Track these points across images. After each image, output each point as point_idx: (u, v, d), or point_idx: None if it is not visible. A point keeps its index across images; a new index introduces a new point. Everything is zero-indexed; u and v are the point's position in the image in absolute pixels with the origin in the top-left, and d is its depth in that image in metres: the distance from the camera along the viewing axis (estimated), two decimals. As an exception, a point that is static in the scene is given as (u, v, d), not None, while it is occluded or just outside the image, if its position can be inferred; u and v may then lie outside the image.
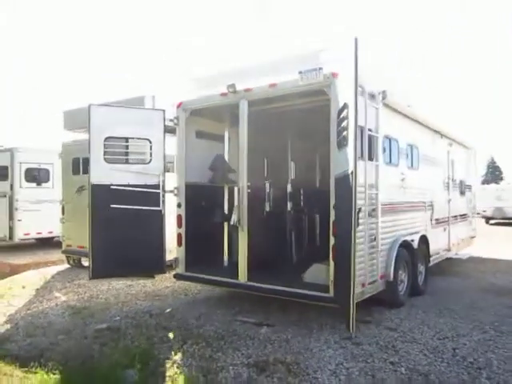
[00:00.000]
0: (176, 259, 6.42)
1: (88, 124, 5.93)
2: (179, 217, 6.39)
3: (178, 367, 4.33)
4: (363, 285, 5.13)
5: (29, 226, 12.39)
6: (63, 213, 9.96)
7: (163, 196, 6.28)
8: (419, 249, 6.81)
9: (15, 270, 9.97)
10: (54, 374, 4.34)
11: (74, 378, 4.22)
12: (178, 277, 6.45)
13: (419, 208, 7.21)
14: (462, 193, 10.22)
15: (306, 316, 5.64)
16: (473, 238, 11.06)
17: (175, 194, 6.41)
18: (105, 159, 6.03)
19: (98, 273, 6.06)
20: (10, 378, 4.38)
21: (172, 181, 6.49)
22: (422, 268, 7.10)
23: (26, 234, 12.51)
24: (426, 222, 7.49)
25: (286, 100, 5.74)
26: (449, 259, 9.02)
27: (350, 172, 3.98)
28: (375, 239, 5.41)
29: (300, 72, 5.03)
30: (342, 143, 4.51)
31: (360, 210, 4.55)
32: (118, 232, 6.00)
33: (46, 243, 13.30)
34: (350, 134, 4.10)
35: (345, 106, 4.24)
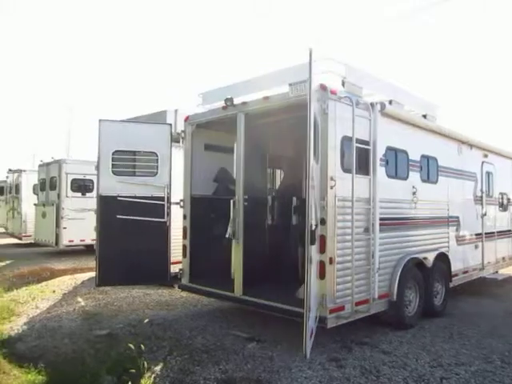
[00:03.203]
0: (181, 270, 6.53)
1: (98, 138, 6.25)
2: (184, 228, 6.52)
3: (154, 378, 4.39)
4: (353, 304, 4.89)
5: (73, 234, 13.18)
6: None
7: (168, 208, 6.44)
8: (435, 267, 6.38)
9: (54, 275, 10.63)
10: (42, 375, 4.59)
11: (55, 380, 4.44)
12: (182, 287, 6.56)
13: (438, 223, 6.77)
14: (504, 207, 9.46)
15: (299, 333, 5.46)
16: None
17: (181, 206, 6.54)
18: (113, 172, 6.31)
19: (103, 280, 6.34)
20: (4, 376, 4.69)
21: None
22: (439, 288, 6.65)
23: (70, 241, 13.30)
24: (447, 238, 7.01)
25: (280, 112, 5.68)
26: (482, 279, 8.35)
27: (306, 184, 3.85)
28: (372, 256, 5.16)
29: (290, 84, 4.97)
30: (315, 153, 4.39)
31: (317, 226, 4.35)
32: (124, 242, 6.24)
33: (92, 250, 14.07)
34: (309, 144, 4.00)
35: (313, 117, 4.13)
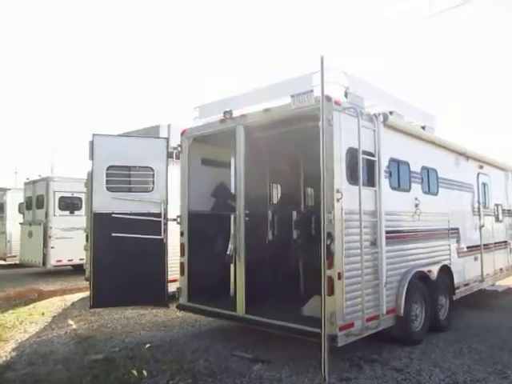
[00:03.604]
0: (179, 289, 6.28)
1: (91, 153, 6.04)
2: (182, 245, 6.30)
3: (157, 405, 4.13)
4: (363, 320, 4.72)
5: (61, 253, 12.81)
6: (87, 240, 10.17)
7: (165, 224, 6.23)
8: (439, 281, 6.26)
9: (42, 296, 10.23)
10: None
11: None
12: (180, 307, 6.31)
13: (440, 236, 6.69)
14: (499, 218, 9.46)
15: (306, 352, 5.27)
16: (514, 267, 10.14)
17: (178, 223, 6.33)
18: (107, 188, 6.09)
19: (98, 302, 6.06)
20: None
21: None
22: (443, 301, 6.53)
23: (58, 261, 12.91)
24: (449, 250, 6.92)
25: (281, 125, 5.57)
26: (482, 291, 8.26)
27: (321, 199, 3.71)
28: (378, 271, 5.02)
29: (292, 95, 4.88)
30: (323, 167, 4.26)
31: (332, 240, 4.21)
32: (119, 261, 5.98)
33: (79, 270, 13.67)
34: (322, 155, 3.86)
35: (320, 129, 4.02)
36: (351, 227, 4.68)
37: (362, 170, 4.77)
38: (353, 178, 4.78)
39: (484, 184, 8.63)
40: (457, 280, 6.97)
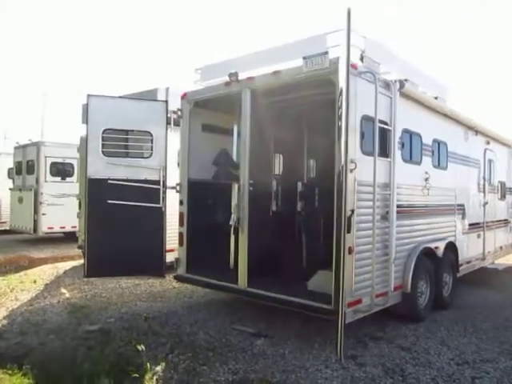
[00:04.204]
0: (177, 260, 6.06)
1: (86, 115, 5.67)
2: (181, 215, 6.03)
3: (157, 380, 3.95)
4: (372, 297, 4.55)
5: (53, 220, 12.47)
6: (80, 207, 9.86)
7: (164, 192, 5.94)
8: (445, 257, 6.10)
9: (33, 264, 9.98)
10: (29, 378, 4.08)
11: (45, 385, 3.94)
12: (178, 278, 6.09)
13: (447, 212, 6.49)
14: (502, 196, 9.29)
15: (309, 328, 5.13)
16: (514, 245, 10.07)
17: (177, 191, 6.04)
18: (103, 152, 5.75)
19: (92, 271, 5.82)
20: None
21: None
22: (448, 278, 6.40)
23: (49, 228, 12.60)
24: (455, 227, 6.75)
25: (292, 90, 5.23)
26: (483, 269, 8.17)
27: (340, 168, 3.43)
28: (388, 246, 4.82)
29: (304, 57, 4.52)
30: (339, 135, 3.96)
31: (353, 212, 3.98)
32: (115, 229, 5.72)
33: (72, 237, 13.39)
34: (343, 122, 3.54)
35: (341, 92, 3.69)
36: (363, 200, 4.43)
37: (380, 140, 4.48)
38: (366, 147, 4.49)
39: (490, 160, 8.41)
40: (460, 257, 6.84)
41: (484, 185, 8.08)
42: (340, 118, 3.82)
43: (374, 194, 4.45)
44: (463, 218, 7.09)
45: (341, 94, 3.74)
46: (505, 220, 9.45)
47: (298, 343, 4.72)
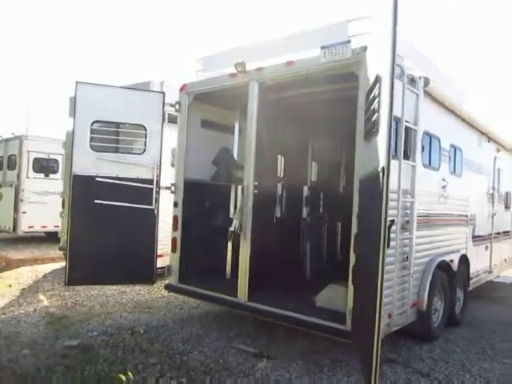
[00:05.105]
0: (169, 267, 5.50)
1: (74, 105, 5.10)
2: (175, 218, 5.48)
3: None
4: (389, 315, 4.07)
5: (34, 219, 11.80)
6: (63, 206, 9.22)
7: (157, 193, 5.39)
8: (459, 271, 5.67)
9: (10, 265, 9.30)
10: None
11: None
12: (169, 288, 5.54)
13: (460, 222, 6.06)
14: (507, 206, 8.95)
15: (316, 348, 4.62)
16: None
17: (172, 192, 5.50)
18: (91, 146, 5.18)
19: (74, 279, 5.23)
20: None
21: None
22: (460, 294, 5.96)
23: (30, 227, 11.92)
24: (466, 238, 6.33)
25: (306, 84, 4.73)
26: (489, 282, 7.78)
27: (379, 171, 2.94)
28: (407, 259, 4.35)
29: (323, 47, 4.04)
30: (370, 132, 3.47)
31: (393, 222, 3.51)
32: (102, 232, 5.15)
33: (54, 237, 12.69)
34: (382, 118, 3.05)
35: (377, 81, 3.21)
36: (389, 208, 3.94)
37: (404, 141, 4.01)
38: (395, 150, 4.01)
39: (499, 169, 8.05)
40: (472, 270, 6.42)
41: (493, 195, 7.72)
42: (374, 123, 3.30)
43: (398, 202, 3.97)
44: (474, 229, 6.69)
45: (375, 83, 3.25)
46: (508, 231, 9.12)
47: (305, 366, 4.21)
